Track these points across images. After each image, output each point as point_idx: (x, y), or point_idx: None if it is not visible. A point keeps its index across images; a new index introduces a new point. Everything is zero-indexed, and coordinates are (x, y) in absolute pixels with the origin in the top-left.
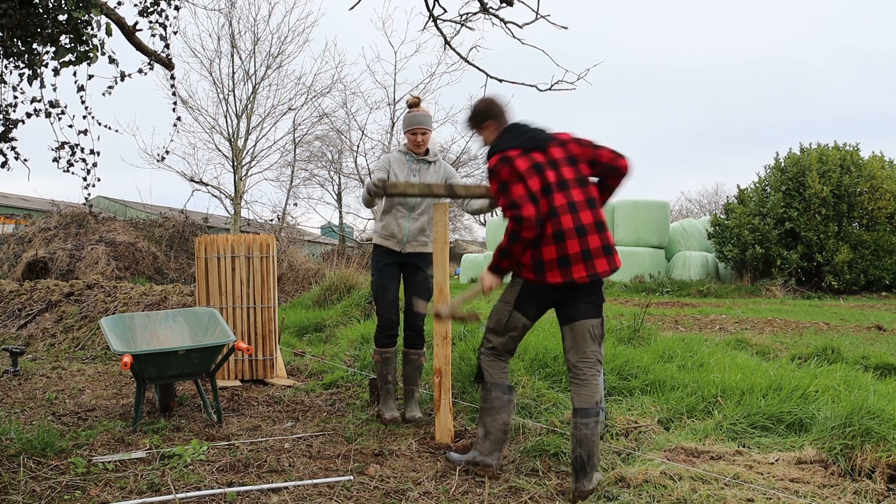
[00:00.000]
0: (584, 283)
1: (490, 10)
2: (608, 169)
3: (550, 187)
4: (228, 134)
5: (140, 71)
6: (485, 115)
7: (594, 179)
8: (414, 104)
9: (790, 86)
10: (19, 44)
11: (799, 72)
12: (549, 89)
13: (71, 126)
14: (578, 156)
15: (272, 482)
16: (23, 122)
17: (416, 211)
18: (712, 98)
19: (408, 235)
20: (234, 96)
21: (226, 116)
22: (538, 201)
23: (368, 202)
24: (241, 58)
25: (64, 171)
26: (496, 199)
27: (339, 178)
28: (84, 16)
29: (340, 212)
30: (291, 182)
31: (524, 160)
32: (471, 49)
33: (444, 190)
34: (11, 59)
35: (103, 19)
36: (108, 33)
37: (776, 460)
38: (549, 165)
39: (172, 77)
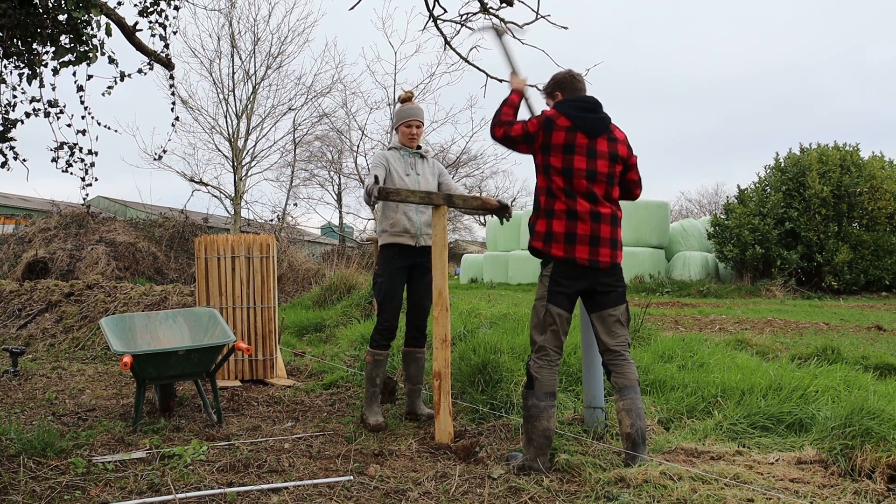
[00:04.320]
0: (585, 265)
1: (490, 10)
2: (625, 189)
3: (571, 171)
4: (228, 134)
5: (140, 71)
6: (557, 86)
7: None
8: (406, 98)
9: (793, 91)
10: (19, 44)
11: (803, 79)
12: None
13: (70, 126)
14: (620, 157)
15: (272, 482)
16: (22, 121)
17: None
18: (713, 100)
19: (420, 228)
20: (234, 96)
21: (226, 116)
22: (528, 141)
23: (370, 203)
24: (241, 58)
25: (63, 171)
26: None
27: (339, 178)
28: (84, 16)
29: (340, 212)
30: (291, 182)
31: (564, 134)
32: (471, 49)
33: (442, 199)
34: (11, 59)
35: (103, 19)
36: (108, 33)
37: (776, 460)
38: (586, 152)
39: (172, 77)
